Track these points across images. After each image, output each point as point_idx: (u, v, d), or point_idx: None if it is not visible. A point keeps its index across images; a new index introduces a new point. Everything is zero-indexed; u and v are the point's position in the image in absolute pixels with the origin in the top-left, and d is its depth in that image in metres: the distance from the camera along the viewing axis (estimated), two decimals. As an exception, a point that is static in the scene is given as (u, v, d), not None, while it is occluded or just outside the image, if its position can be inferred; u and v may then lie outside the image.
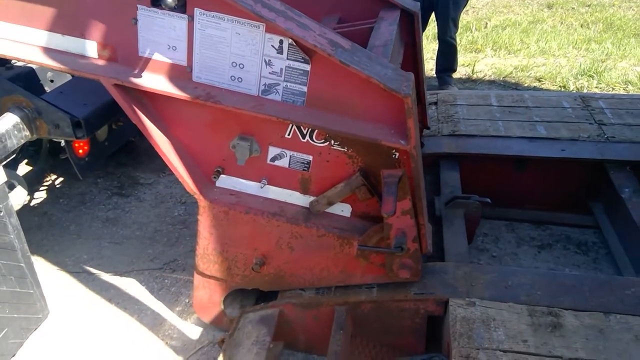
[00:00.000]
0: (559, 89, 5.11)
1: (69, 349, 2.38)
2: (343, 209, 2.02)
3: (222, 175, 2.04)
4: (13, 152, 2.21)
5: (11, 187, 2.58)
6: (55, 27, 1.88)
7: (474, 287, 1.99)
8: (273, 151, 1.96)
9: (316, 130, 1.86)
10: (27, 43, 1.92)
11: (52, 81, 2.71)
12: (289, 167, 1.97)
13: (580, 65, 5.49)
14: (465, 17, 6.85)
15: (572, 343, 1.72)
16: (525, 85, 5.24)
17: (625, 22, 6.86)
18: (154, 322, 2.50)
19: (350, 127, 1.78)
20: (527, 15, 7.36)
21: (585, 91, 4.97)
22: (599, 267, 2.71)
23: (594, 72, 5.29)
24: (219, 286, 2.24)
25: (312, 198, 2.01)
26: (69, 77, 2.75)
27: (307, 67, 1.76)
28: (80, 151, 2.68)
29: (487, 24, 7.02)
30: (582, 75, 5.28)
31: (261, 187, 2.03)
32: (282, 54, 1.76)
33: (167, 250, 2.98)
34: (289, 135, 1.90)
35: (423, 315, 2.05)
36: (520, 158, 2.89)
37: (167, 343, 2.39)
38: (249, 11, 1.69)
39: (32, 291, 2.23)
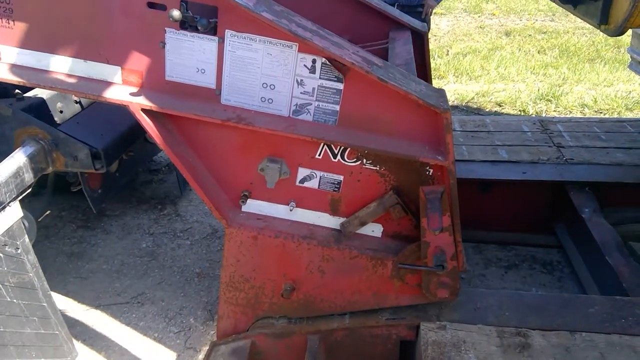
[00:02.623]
0: (519, 112, 5.29)
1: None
2: (374, 229, 1.99)
3: (249, 200, 1.99)
4: (29, 187, 2.10)
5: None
6: (78, 53, 1.82)
7: (443, 310, 2.01)
8: (303, 172, 1.91)
9: (348, 150, 1.84)
10: (50, 70, 1.85)
11: (61, 112, 2.63)
12: (318, 188, 1.93)
13: (539, 89, 5.71)
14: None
15: (541, 363, 1.76)
16: (487, 109, 5.40)
17: (580, 48, 7.18)
18: (122, 358, 2.43)
19: (386, 145, 1.77)
20: (486, 43, 7.62)
21: (544, 115, 5.15)
22: (564, 285, 2.78)
23: (551, 97, 5.50)
24: (245, 315, 2.16)
25: (341, 219, 1.97)
26: (77, 108, 2.69)
27: (340, 86, 1.75)
28: (94, 183, 2.62)
29: (448, 51, 7.25)
30: (540, 100, 5.48)
31: (290, 210, 1.98)
32: (314, 73, 1.74)
33: (134, 284, 2.92)
34: (319, 155, 1.88)
35: (395, 340, 2.05)
36: (484, 181, 2.97)
37: (135, 379, 2.34)
38: (286, 31, 1.67)
39: (57, 332, 2.13)
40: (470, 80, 6.24)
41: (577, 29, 8.22)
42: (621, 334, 1.86)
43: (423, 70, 2.69)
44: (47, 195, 2.89)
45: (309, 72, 1.75)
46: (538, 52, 7.13)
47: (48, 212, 3.48)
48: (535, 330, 1.89)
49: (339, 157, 1.87)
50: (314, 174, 1.92)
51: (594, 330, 1.88)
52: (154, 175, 4.04)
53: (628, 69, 4.70)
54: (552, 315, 1.98)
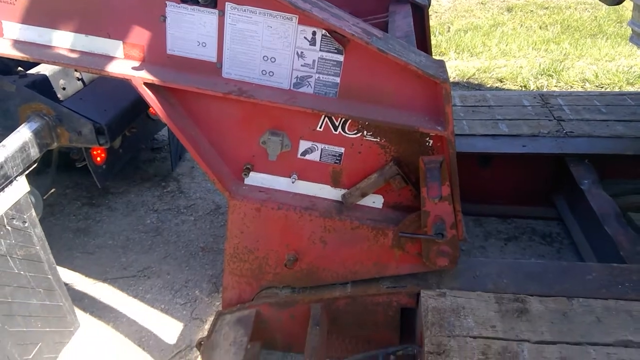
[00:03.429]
0: (520, 88, 5.28)
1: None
2: (375, 201, 2.02)
3: (251, 173, 2.02)
4: (35, 162, 2.13)
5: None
6: (80, 28, 1.84)
7: (443, 278, 2.06)
8: (304, 145, 1.94)
9: (349, 122, 1.87)
10: (52, 45, 1.88)
11: (64, 89, 2.65)
12: (319, 160, 1.96)
13: (540, 65, 5.69)
14: (428, 22, 6.99)
15: (538, 327, 1.80)
16: (488, 85, 5.39)
17: (582, 24, 7.13)
18: (129, 329, 2.50)
19: (386, 116, 1.79)
20: (487, 19, 7.56)
21: (544, 90, 5.14)
22: (563, 256, 2.82)
23: (553, 72, 5.48)
24: (250, 285, 2.21)
25: (342, 191, 2.00)
26: (80, 85, 2.70)
27: (341, 58, 1.75)
28: (98, 159, 2.65)
29: (449, 28, 7.20)
30: (541, 75, 5.47)
31: (292, 183, 2.01)
32: (314, 45, 1.75)
33: (140, 258, 2.97)
34: (320, 128, 1.90)
35: (396, 308, 2.10)
36: (484, 155, 2.99)
37: (144, 349, 2.39)
38: (286, 3, 1.68)
39: (61, 304, 2.19)
40: (472, 56, 6.21)
41: (579, 3, 8.14)
42: (618, 299, 1.90)
43: (423, 44, 2.70)
44: (51, 173, 2.92)
45: (309, 45, 1.76)
46: (540, 28, 7.07)
47: (53, 190, 3.52)
48: (533, 296, 1.93)
49: (339, 129, 1.89)
50: (315, 147, 1.94)
51: (591, 296, 1.92)
52: (156, 153, 4.07)
53: (630, 44, 4.68)
54: (550, 282, 2.02)
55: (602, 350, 1.70)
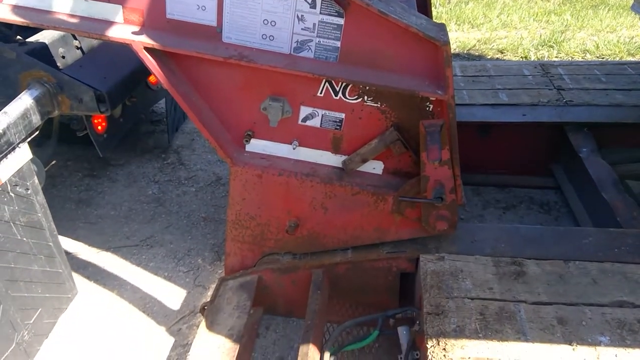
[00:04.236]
0: (521, 59, 5.26)
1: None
2: (375, 167, 2.03)
3: (252, 139, 2.03)
4: (37, 129, 2.13)
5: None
6: None
7: (442, 243, 2.09)
8: (305, 111, 1.94)
9: (349, 87, 1.87)
10: (52, 10, 1.87)
11: (63, 57, 2.63)
12: (320, 126, 1.97)
13: (541, 36, 5.65)
14: (428, -7, 6.93)
15: (535, 288, 1.84)
16: (489, 57, 5.37)
17: (583, -6, 7.06)
18: (134, 296, 2.54)
19: (386, 80, 1.79)
20: (489, -10, 7.48)
21: (545, 60, 5.12)
22: (561, 224, 2.85)
23: (553, 43, 5.45)
24: (252, 252, 2.24)
25: (343, 157, 2.02)
26: (79, 54, 2.69)
27: (341, 21, 1.74)
28: (99, 127, 2.65)
29: (450, -1, 7.13)
30: (542, 46, 5.44)
31: (293, 149, 2.02)
32: (315, 8, 1.74)
33: (142, 228, 3.00)
34: (321, 93, 1.90)
35: (396, 272, 2.14)
36: (484, 124, 3.00)
37: (148, 315, 2.44)
38: None
39: (61, 270, 2.22)
40: (472, 28, 6.16)
41: (581, -26, 8.04)
42: (613, 262, 1.94)
43: (424, 9, 2.68)
44: (52, 145, 2.92)
45: (310, 7, 1.75)
46: (541, -1, 7.01)
47: (54, 162, 3.53)
48: (530, 259, 1.97)
49: (340, 94, 1.90)
50: (316, 112, 1.95)
51: (587, 259, 1.96)
52: (155, 125, 4.07)
53: (632, 13, 4.64)
54: (547, 246, 2.05)
55: (597, 310, 1.74)
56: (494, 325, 1.69)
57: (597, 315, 1.72)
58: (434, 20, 2.07)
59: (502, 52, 5.43)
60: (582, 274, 1.90)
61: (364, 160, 2.01)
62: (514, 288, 1.84)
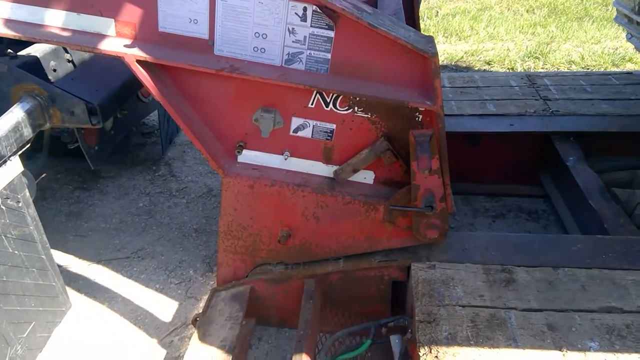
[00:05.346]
0: (508, 70, 5.33)
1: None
2: (366, 176, 2.06)
3: (244, 150, 2.04)
4: (28, 142, 2.12)
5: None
6: (72, 6, 1.84)
7: (433, 251, 2.11)
8: (296, 122, 1.97)
9: (340, 98, 1.89)
10: (44, 24, 1.88)
11: (54, 70, 2.62)
12: (311, 137, 1.99)
13: (527, 48, 5.74)
14: (416, 6, 7.02)
15: (525, 295, 1.86)
16: (476, 68, 5.44)
17: (568, 7, 7.18)
18: (125, 308, 2.53)
19: (376, 91, 1.82)
20: (475, 3, 7.59)
21: (532, 71, 5.20)
22: (549, 232, 2.88)
23: (539, 54, 5.54)
24: (244, 262, 2.24)
25: (334, 167, 2.04)
26: (70, 67, 2.70)
27: (331, 34, 1.77)
28: (90, 140, 2.64)
29: (437, 12, 7.21)
30: (528, 57, 5.52)
31: (285, 160, 2.04)
32: (305, 21, 1.77)
33: (134, 240, 3.00)
34: (312, 104, 1.92)
35: (387, 281, 2.16)
36: (473, 134, 3.04)
37: (140, 327, 2.43)
38: None
39: (54, 284, 2.20)
40: (460, 40, 6.24)
41: (566, -13, 8.19)
42: (601, 269, 1.97)
43: (412, 22, 2.72)
44: (42, 158, 2.91)
45: (300, 20, 1.78)
46: (527, 12, 7.12)
47: (44, 174, 3.52)
48: (520, 267, 1.99)
49: (331, 105, 1.92)
50: (307, 123, 1.97)
51: (576, 266, 1.99)
52: (147, 137, 4.07)
53: (615, 25, 4.73)
54: (536, 253, 2.08)
55: (586, 316, 1.77)
56: (485, 332, 1.71)
57: (587, 321, 1.75)
58: (422, 32, 2.11)
59: (489, 64, 5.51)
60: (571, 281, 1.92)
61: (355, 170, 2.03)
62: (504, 295, 1.86)
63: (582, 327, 1.72)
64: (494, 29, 6.43)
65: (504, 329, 1.72)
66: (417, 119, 1.89)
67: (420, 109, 1.85)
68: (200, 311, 2.19)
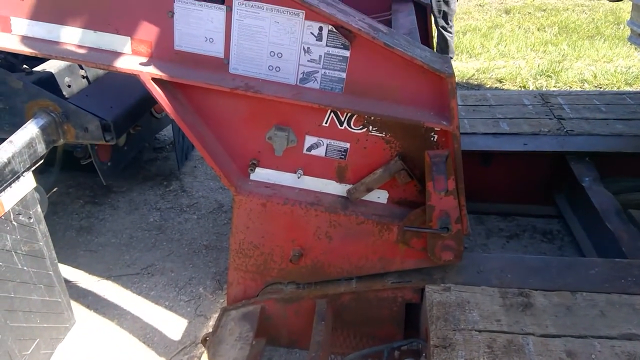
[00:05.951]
0: (519, 88, 5.31)
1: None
2: (379, 196, 2.03)
3: (257, 168, 2.03)
4: (42, 158, 2.13)
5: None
6: (88, 24, 1.85)
7: (448, 273, 2.07)
8: (310, 140, 1.95)
9: (354, 117, 1.88)
10: (60, 41, 1.88)
11: (69, 86, 2.65)
12: (325, 156, 1.97)
13: (539, 66, 5.72)
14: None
15: (543, 320, 1.81)
16: (487, 86, 5.43)
17: (579, 25, 7.18)
18: (134, 326, 2.50)
19: (391, 111, 1.81)
20: (486, 21, 7.61)
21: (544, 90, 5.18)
22: (564, 253, 2.84)
23: (551, 72, 5.52)
24: (255, 281, 2.21)
25: (348, 186, 2.01)
26: (85, 83, 2.71)
27: (347, 53, 1.77)
28: (103, 156, 2.65)
29: (448, 29, 7.23)
30: (540, 76, 5.51)
31: (298, 178, 2.02)
32: (321, 40, 1.76)
33: (143, 256, 2.98)
34: (326, 123, 1.91)
35: (401, 303, 2.11)
36: (486, 153, 3.01)
37: (148, 345, 2.40)
38: None
39: (60, 300, 2.19)
40: (471, 57, 6.25)
41: (576, 6, 8.20)
42: (621, 294, 1.92)
43: (426, 42, 2.72)
44: (54, 172, 2.92)
45: (316, 40, 1.78)
46: (537, 30, 7.12)
47: (55, 189, 3.53)
48: (537, 290, 1.95)
49: (345, 124, 1.91)
50: (321, 142, 1.96)
51: (595, 290, 1.94)
52: (158, 152, 4.08)
53: (628, 43, 4.71)
54: (553, 276, 2.03)
55: (606, 343, 1.72)
56: (503, 358, 1.67)
57: (607, 348, 1.70)
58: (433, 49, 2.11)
59: (500, 82, 5.49)
60: (589, 306, 1.88)
61: (369, 190, 2.00)
62: (521, 320, 1.82)
63: (602, 355, 1.67)
64: (505, 46, 6.43)
65: (521, 355, 1.68)
66: (432, 138, 1.87)
67: (436, 129, 1.83)
68: (210, 330, 2.17)
